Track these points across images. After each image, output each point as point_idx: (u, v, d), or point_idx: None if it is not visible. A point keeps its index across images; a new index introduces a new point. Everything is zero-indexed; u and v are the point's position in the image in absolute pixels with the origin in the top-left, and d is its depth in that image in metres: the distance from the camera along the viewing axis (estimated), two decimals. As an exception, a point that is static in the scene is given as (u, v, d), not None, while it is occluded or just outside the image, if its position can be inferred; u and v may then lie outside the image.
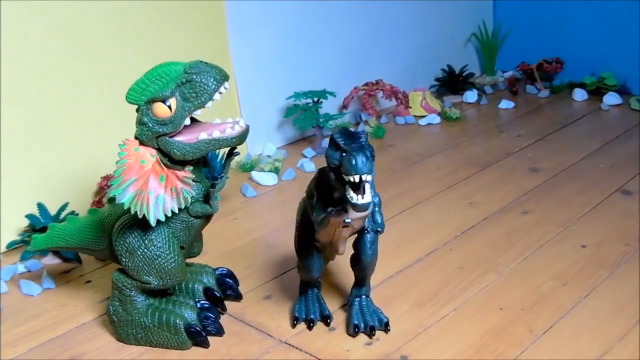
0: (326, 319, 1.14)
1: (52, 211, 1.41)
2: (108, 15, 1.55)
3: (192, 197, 1.03)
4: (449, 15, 2.45)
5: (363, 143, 0.92)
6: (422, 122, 2.14)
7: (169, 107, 0.99)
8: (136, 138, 1.03)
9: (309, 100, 1.94)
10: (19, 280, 1.31)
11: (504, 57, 2.54)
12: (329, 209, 0.96)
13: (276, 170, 1.76)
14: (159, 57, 1.65)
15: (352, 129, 0.96)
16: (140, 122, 1.02)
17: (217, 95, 1.00)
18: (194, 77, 0.99)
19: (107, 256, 1.16)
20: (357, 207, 0.92)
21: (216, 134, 1.01)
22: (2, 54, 1.40)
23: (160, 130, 1.00)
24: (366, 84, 2.13)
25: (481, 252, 1.37)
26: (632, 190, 1.61)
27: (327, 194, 0.99)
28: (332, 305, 1.19)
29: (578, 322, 1.13)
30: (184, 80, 0.99)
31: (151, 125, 1.01)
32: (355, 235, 1.09)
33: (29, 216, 1.38)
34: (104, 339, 1.14)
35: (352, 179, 0.90)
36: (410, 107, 2.18)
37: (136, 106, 1.03)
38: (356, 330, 1.10)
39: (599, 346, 1.07)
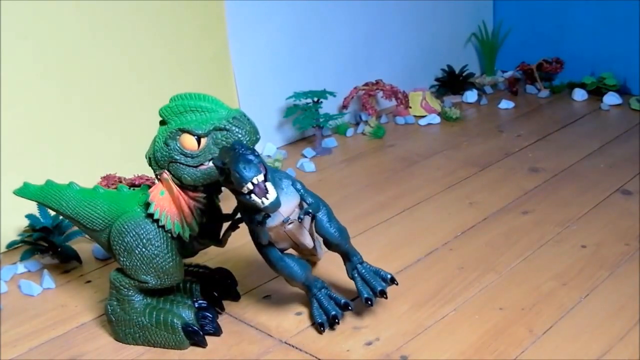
0: (347, 307, 1.12)
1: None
2: (108, 16, 1.55)
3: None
4: (449, 15, 2.45)
5: (239, 151, 0.91)
6: (422, 122, 2.14)
7: (198, 143, 0.99)
8: (149, 157, 1.03)
9: (309, 100, 1.94)
10: (19, 280, 1.32)
11: (504, 57, 2.54)
12: (255, 222, 0.98)
13: (276, 170, 1.76)
14: (159, 57, 1.68)
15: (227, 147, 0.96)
16: (164, 142, 1.01)
17: None
18: (234, 128, 0.98)
19: (99, 241, 1.13)
20: (268, 209, 0.93)
21: None
22: (2, 54, 1.40)
23: (180, 159, 1.00)
24: (366, 84, 2.12)
25: (481, 252, 1.36)
26: (632, 190, 1.61)
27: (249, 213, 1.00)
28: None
29: (578, 322, 1.13)
30: (223, 126, 0.98)
31: (173, 152, 1.00)
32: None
33: (29, 216, 1.38)
34: (104, 339, 1.14)
35: (247, 190, 0.90)
36: (410, 107, 2.18)
37: (160, 118, 1.03)
38: (369, 302, 1.11)
39: (599, 346, 1.06)
